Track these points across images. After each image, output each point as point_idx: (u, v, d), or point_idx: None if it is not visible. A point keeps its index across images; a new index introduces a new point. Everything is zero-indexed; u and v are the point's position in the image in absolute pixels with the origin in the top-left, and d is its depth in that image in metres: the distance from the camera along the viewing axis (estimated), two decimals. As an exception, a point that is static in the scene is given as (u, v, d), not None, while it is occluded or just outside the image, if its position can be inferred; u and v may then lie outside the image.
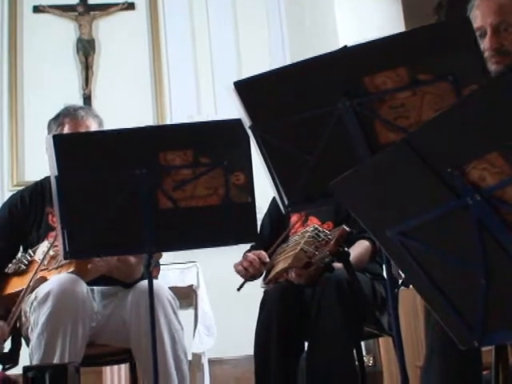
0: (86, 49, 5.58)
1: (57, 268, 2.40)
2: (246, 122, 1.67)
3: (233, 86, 1.63)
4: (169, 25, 5.69)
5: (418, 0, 5.46)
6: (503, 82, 1.05)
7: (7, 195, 3.50)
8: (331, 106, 1.58)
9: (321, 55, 1.59)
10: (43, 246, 2.48)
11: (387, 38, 1.55)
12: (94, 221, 1.93)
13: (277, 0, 5.74)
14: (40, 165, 2.60)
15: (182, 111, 5.39)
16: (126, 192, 1.91)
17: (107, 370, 3.88)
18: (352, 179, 1.21)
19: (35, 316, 2.27)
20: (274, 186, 1.72)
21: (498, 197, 1.07)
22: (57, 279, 2.31)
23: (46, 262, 2.43)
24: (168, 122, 5.38)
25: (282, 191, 1.71)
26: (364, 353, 3.10)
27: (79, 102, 5.10)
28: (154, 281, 2.06)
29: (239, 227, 1.98)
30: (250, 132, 1.68)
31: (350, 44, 1.57)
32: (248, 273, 2.58)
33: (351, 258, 2.37)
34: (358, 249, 2.54)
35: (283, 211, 1.76)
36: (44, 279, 2.38)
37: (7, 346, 2.49)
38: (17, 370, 2.38)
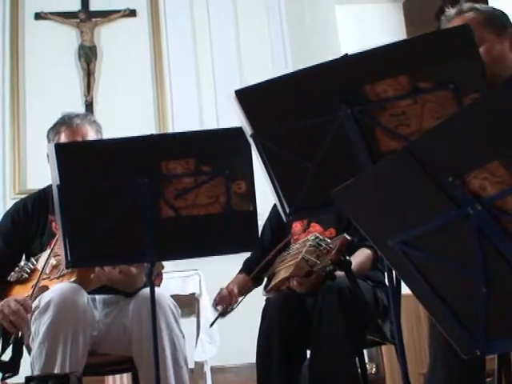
0: (88, 55, 5.59)
1: (59, 277, 2.40)
2: (247, 130, 1.67)
3: (234, 94, 1.63)
4: (170, 31, 5.71)
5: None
6: (505, 91, 1.05)
7: (9, 204, 3.49)
8: (332, 113, 1.58)
9: (322, 63, 1.59)
10: (46, 255, 2.47)
11: (388, 46, 1.55)
12: (96, 230, 1.92)
13: (277, -1, 5.77)
14: (42, 173, 2.60)
15: (184, 117, 5.40)
16: (128, 201, 1.91)
17: (109, 379, 3.87)
18: (353, 188, 1.21)
19: (36, 325, 2.27)
20: (275, 193, 1.72)
21: (498, 206, 1.07)
22: (58, 288, 2.31)
23: (48, 271, 2.42)
24: (170, 127, 5.40)
25: (283, 199, 1.71)
26: (367, 360, 3.09)
27: (81, 109, 5.12)
28: (156, 288, 2.06)
29: (241, 235, 1.98)
30: (251, 140, 1.68)
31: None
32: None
33: (352, 266, 2.37)
34: (360, 257, 2.54)
35: (284, 219, 1.76)
36: (46, 288, 2.38)
37: (7, 354, 2.49)
38: (18, 380, 2.38)
